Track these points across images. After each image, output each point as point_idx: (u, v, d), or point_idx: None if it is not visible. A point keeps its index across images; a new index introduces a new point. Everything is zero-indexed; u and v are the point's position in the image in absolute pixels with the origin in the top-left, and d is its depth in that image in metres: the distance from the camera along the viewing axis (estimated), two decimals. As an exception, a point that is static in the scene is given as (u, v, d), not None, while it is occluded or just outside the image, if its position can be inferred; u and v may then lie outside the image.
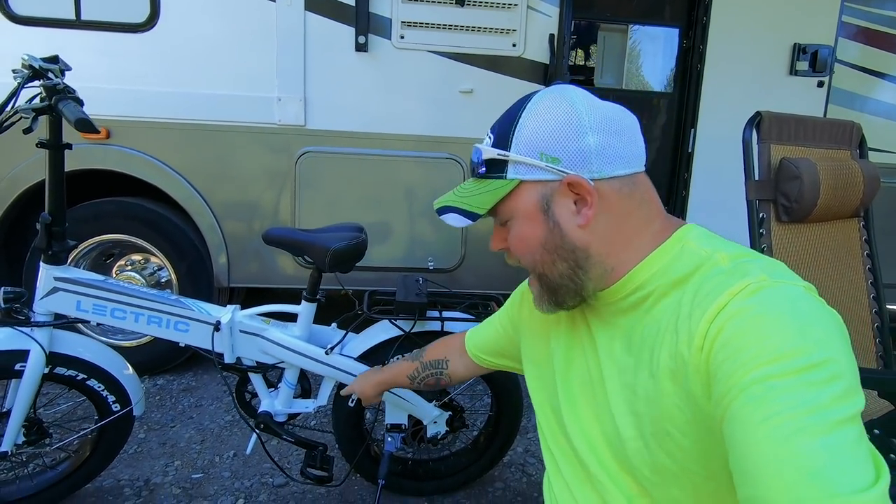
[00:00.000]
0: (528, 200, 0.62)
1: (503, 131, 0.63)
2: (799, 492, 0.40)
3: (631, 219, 0.62)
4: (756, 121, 1.34)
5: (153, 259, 2.38)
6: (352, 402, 1.53)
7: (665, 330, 0.56)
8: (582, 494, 0.64)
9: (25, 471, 1.48)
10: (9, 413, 1.34)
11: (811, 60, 2.36)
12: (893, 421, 1.05)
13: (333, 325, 1.53)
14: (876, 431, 1.08)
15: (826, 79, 2.41)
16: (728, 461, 0.47)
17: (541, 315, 0.74)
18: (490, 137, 0.64)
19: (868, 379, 1.13)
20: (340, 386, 1.52)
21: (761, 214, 1.34)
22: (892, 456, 1.06)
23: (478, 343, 0.99)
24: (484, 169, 0.64)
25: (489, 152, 0.63)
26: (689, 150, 2.48)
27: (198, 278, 2.32)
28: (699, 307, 0.52)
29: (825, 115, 2.44)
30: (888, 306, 1.51)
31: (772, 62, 2.40)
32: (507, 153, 0.61)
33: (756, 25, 2.37)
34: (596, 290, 0.63)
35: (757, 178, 1.35)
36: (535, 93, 0.64)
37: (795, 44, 2.37)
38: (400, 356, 1.49)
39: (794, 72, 2.39)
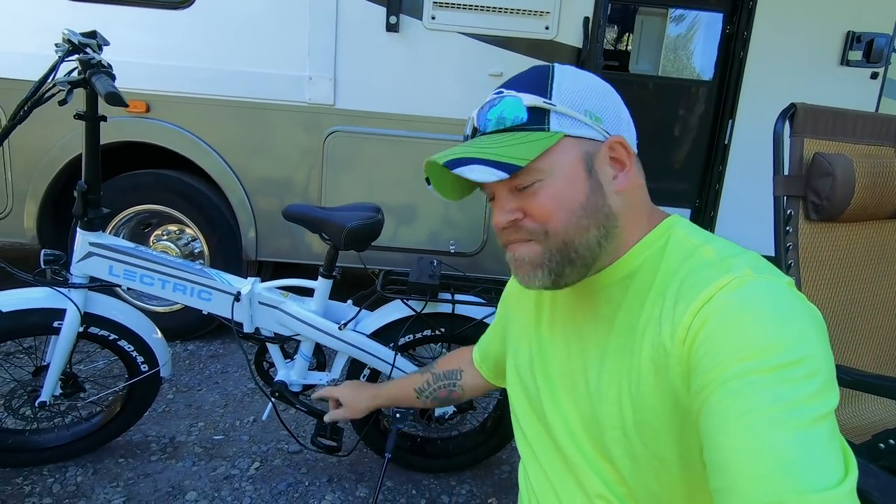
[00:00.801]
0: (572, 156, 0.57)
1: (538, 84, 0.58)
2: (770, 484, 0.41)
3: (641, 194, 0.63)
4: (790, 113, 1.28)
5: (187, 230, 2.48)
6: (364, 376, 1.57)
7: (649, 320, 0.56)
8: (559, 481, 0.65)
9: (63, 421, 1.60)
10: (48, 367, 1.45)
11: (865, 50, 2.22)
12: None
13: (349, 301, 1.57)
14: (892, 441, 1.03)
15: (881, 70, 2.25)
16: (703, 453, 0.47)
17: (524, 300, 0.74)
18: (514, 93, 0.58)
19: (889, 387, 1.09)
20: (353, 361, 1.56)
21: (789, 211, 1.28)
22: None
23: (481, 352, 0.96)
24: (524, 118, 0.57)
25: (532, 100, 0.57)
26: (726, 142, 2.38)
27: (228, 251, 2.42)
28: (684, 299, 0.52)
29: (877, 108, 2.29)
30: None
31: (821, 51, 2.26)
32: (552, 103, 0.57)
33: (806, 11, 2.24)
34: (600, 267, 0.61)
35: (787, 173, 1.29)
36: (550, 63, 0.63)
37: (849, 31, 2.23)
38: (410, 336, 1.52)
39: (845, 62, 2.25)
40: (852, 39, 2.22)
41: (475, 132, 0.61)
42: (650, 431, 0.55)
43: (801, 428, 0.42)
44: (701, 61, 2.57)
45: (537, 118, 0.58)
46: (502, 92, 0.60)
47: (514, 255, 0.61)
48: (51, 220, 2.42)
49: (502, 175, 0.55)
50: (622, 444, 0.57)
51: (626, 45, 3.02)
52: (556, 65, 0.62)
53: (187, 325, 2.44)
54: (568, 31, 2.23)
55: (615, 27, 2.95)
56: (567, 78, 0.60)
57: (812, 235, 1.30)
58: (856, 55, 2.24)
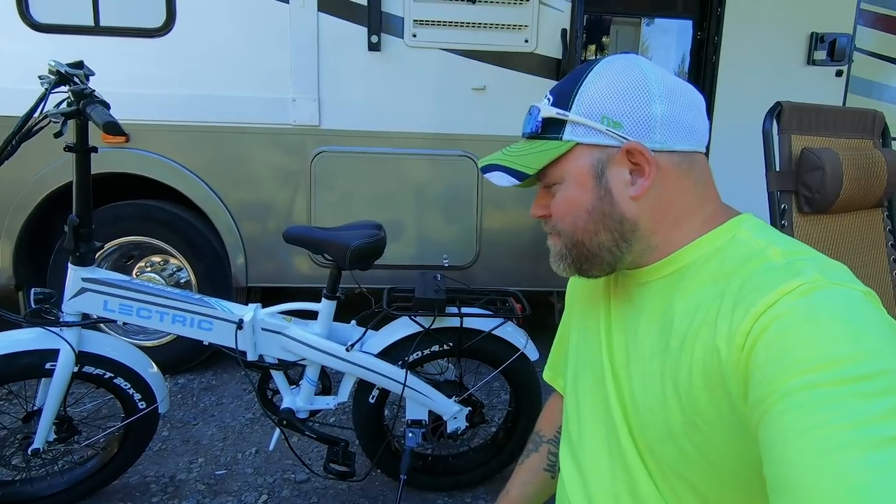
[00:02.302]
0: (582, 164, 0.60)
1: (565, 91, 0.61)
2: None
3: (685, 197, 0.60)
4: (776, 111, 1.33)
5: (172, 260, 2.42)
6: (372, 398, 1.54)
7: (703, 321, 0.53)
8: (610, 466, 0.63)
9: (56, 467, 1.52)
10: (40, 411, 1.38)
11: (829, 49, 2.33)
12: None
13: (353, 322, 1.54)
14: None
15: (845, 68, 2.37)
16: (761, 465, 0.44)
17: (590, 287, 0.73)
18: (549, 98, 0.62)
19: None
20: (361, 383, 1.53)
21: (783, 206, 1.32)
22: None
23: (553, 369, 0.88)
24: (539, 128, 0.62)
25: (547, 111, 0.61)
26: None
27: (216, 279, 2.36)
28: (743, 302, 0.49)
29: (844, 104, 2.40)
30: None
31: (789, 52, 2.36)
32: (566, 113, 0.60)
33: (772, 15, 2.34)
34: (634, 262, 0.62)
35: (778, 168, 1.33)
36: (602, 58, 0.63)
37: (813, 33, 2.34)
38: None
39: (811, 61, 2.36)
40: (816, 40, 2.33)
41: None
42: (701, 436, 0.53)
43: (873, 449, 0.38)
44: (675, 67, 2.66)
45: (552, 128, 0.61)
46: (544, 98, 0.64)
47: (549, 244, 0.67)
48: (26, 258, 2.33)
49: (514, 181, 0.62)
50: (667, 444, 0.56)
51: (604, 53, 3.11)
52: (599, 62, 0.62)
53: (177, 358, 2.36)
54: (547, 42, 2.28)
55: (593, 38, 3.04)
56: (598, 80, 0.60)
57: (806, 228, 1.34)
58: (820, 55, 2.35)
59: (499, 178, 0.63)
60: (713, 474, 0.54)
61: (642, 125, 0.58)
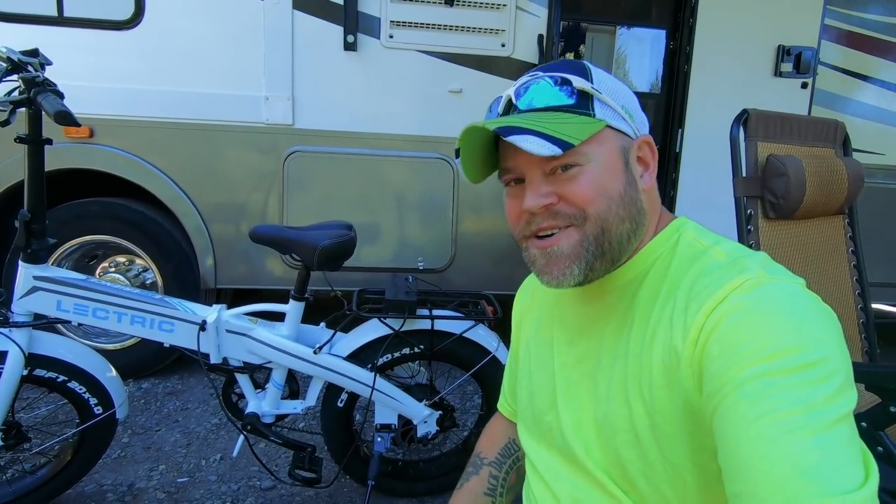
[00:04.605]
0: (613, 146, 0.58)
1: (580, 70, 0.58)
2: (790, 489, 0.40)
3: (654, 199, 0.62)
4: (743, 118, 1.35)
5: (138, 260, 2.34)
6: (341, 402, 1.51)
7: (659, 322, 0.55)
8: (571, 487, 0.63)
9: (4, 476, 1.44)
10: (-14, 417, 1.30)
11: (795, 62, 2.40)
12: (879, 414, 1.06)
13: (322, 324, 1.51)
14: (863, 424, 1.08)
15: (810, 80, 2.44)
16: (717, 456, 0.46)
17: (542, 301, 0.72)
18: (562, 75, 0.57)
19: (855, 372, 1.14)
20: (329, 387, 1.50)
21: (749, 211, 1.35)
22: (880, 449, 1.07)
23: (508, 398, 0.83)
24: (576, 99, 0.56)
25: (582, 84, 0.57)
26: (677, 151, 2.50)
27: (184, 280, 2.29)
28: (696, 300, 0.51)
29: (809, 115, 2.47)
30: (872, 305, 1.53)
31: (757, 64, 2.43)
32: (598, 90, 0.57)
33: (741, 27, 2.40)
34: (618, 264, 0.61)
35: (745, 174, 1.36)
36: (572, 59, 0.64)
37: (780, 45, 2.41)
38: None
39: (778, 73, 2.43)
40: (783, 53, 2.40)
41: (511, 108, 0.60)
42: (664, 436, 0.54)
43: (820, 431, 0.41)
44: (649, 75, 2.71)
45: (583, 103, 0.57)
46: (537, 74, 0.59)
47: (547, 250, 0.58)
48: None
49: (556, 150, 0.52)
50: (634, 448, 0.56)
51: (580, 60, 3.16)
52: (579, 61, 0.63)
53: (140, 362, 2.28)
54: (523, 48, 2.29)
55: (568, 44, 3.07)
56: (602, 73, 0.61)
57: (771, 232, 1.36)
58: (787, 67, 2.42)
59: (534, 145, 0.52)
60: (677, 479, 0.54)
61: (640, 121, 0.61)
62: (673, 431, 0.53)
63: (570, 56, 3.16)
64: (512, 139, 0.53)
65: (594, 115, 0.57)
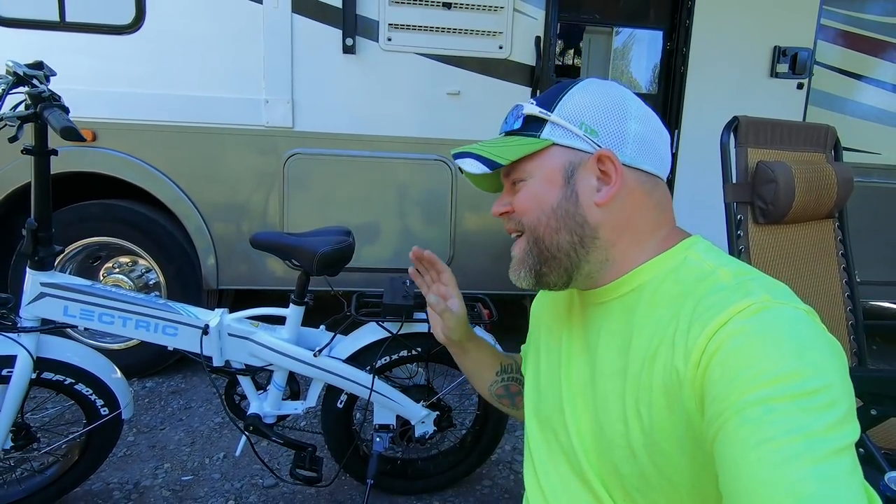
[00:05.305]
0: (554, 163, 0.62)
1: (549, 97, 0.65)
2: None
3: (645, 216, 0.63)
4: (733, 125, 1.37)
5: (141, 261, 2.37)
6: (340, 403, 1.54)
7: (661, 341, 0.55)
8: (575, 489, 0.64)
9: (13, 476, 1.48)
10: (-4, 418, 1.34)
11: (791, 63, 2.41)
12: (861, 416, 1.09)
13: (322, 327, 1.54)
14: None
15: (805, 81, 2.45)
16: (716, 482, 0.46)
17: (557, 304, 0.74)
18: (533, 101, 0.66)
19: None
20: (329, 388, 1.53)
21: (739, 216, 1.37)
22: (861, 450, 1.10)
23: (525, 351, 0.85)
24: (520, 124, 0.65)
25: (530, 109, 0.64)
26: (673, 151, 2.52)
27: (186, 281, 2.32)
28: (699, 322, 0.51)
29: (805, 116, 2.49)
30: (864, 302, 1.55)
31: (753, 64, 2.44)
32: (548, 113, 0.63)
33: (737, 28, 2.41)
34: (590, 276, 0.63)
35: (735, 181, 1.38)
36: (589, 77, 0.68)
37: (776, 46, 2.42)
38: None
39: (774, 74, 2.44)
40: (779, 53, 2.41)
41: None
42: (661, 455, 0.54)
43: (820, 461, 0.41)
44: (646, 76, 2.72)
45: (532, 126, 0.64)
46: (520, 103, 0.68)
47: (512, 253, 0.67)
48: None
49: (485, 169, 0.63)
50: (630, 462, 0.57)
51: (577, 61, 3.16)
52: (586, 79, 0.66)
53: (144, 362, 2.33)
54: (521, 49, 2.31)
55: (565, 45, 3.08)
56: (583, 92, 0.64)
57: (761, 238, 1.39)
58: (783, 68, 2.43)
59: (469, 165, 0.63)
60: (673, 494, 0.55)
61: (616, 137, 0.62)
62: (672, 451, 0.53)
63: (569, 56, 3.17)
64: (457, 162, 0.65)
65: (539, 136, 0.63)
